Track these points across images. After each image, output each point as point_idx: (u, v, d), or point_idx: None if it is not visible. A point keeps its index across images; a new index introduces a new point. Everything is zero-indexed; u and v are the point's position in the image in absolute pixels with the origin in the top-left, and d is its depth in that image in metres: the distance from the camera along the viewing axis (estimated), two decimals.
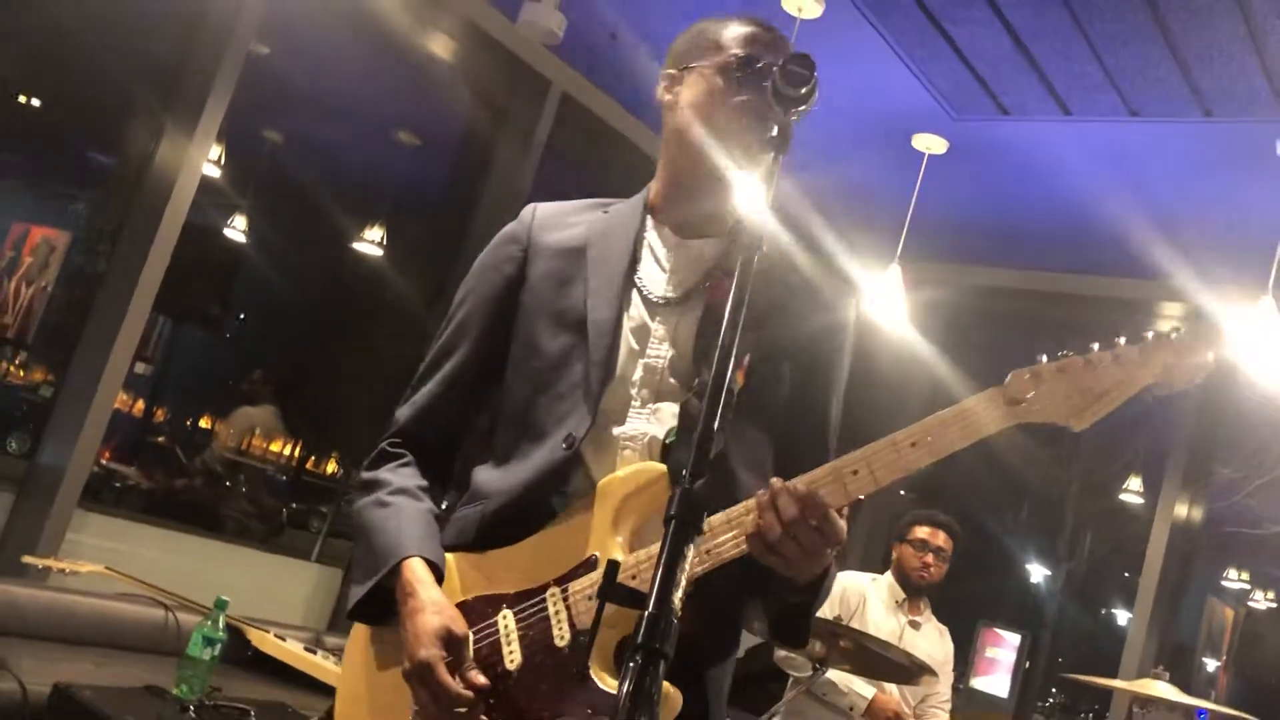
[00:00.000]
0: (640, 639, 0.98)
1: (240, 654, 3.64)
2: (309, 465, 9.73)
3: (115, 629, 3.45)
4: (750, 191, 1.58)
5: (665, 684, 1.20)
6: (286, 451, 9.09)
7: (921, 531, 3.90)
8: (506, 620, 1.39)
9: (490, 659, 1.38)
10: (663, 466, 1.38)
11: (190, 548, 4.49)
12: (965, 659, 7.55)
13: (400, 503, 1.48)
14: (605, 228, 1.56)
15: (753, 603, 1.52)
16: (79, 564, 3.35)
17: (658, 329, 1.48)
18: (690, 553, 1.05)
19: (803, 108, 1.33)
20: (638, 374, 1.47)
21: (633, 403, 1.45)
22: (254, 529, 5.94)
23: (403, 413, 1.58)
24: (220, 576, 4.08)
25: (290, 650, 3.63)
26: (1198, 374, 1.23)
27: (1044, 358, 1.26)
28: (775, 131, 1.32)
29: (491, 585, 1.43)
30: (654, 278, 1.53)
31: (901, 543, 3.95)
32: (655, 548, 1.30)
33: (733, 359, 1.33)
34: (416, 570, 1.40)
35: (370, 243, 5.87)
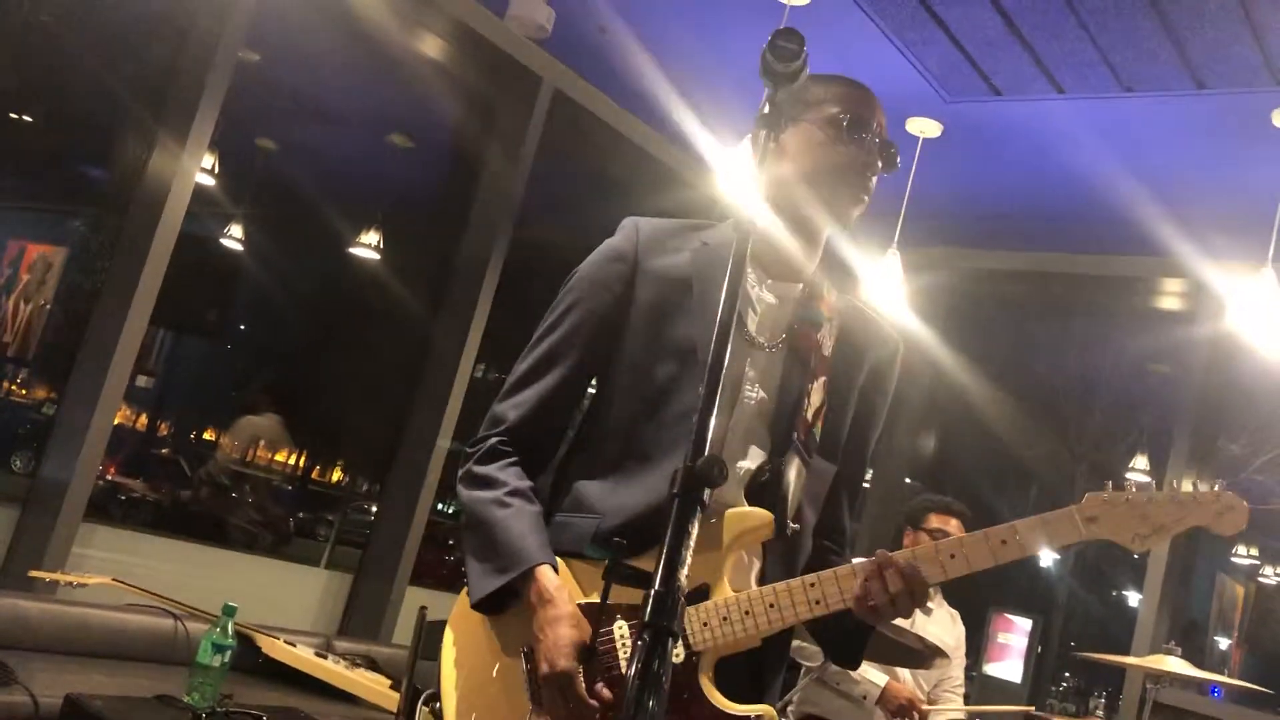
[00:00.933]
0: (648, 617, 0.99)
1: (251, 661, 3.64)
2: (314, 474, 9.74)
3: (124, 640, 3.45)
4: (743, 175, 1.64)
5: (769, 709, 1.47)
6: (291, 461, 9.09)
7: (934, 520, 3.89)
8: (622, 630, 1.51)
9: (607, 663, 1.50)
10: (769, 515, 1.53)
11: (197, 558, 4.49)
12: (977, 646, 7.55)
13: (520, 505, 1.59)
14: (708, 261, 1.65)
15: (815, 627, 1.66)
16: (86, 576, 3.35)
17: (750, 372, 1.61)
18: (694, 529, 1.06)
19: (794, 85, 1.34)
20: (735, 413, 1.59)
21: (728, 438, 1.58)
22: (261, 539, 5.93)
23: (508, 412, 1.66)
24: (228, 585, 4.08)
25: (301, 655, 3.64)
26: (1236, 529, 1.48)
27: (1110, 485, 1.49)
28: (766, 108, 1.34)
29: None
30: (748, 317, 1.64)
31: (915, 530, 3.93)
32: (764, 591, 1.50)
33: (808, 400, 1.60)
34: (551, 578, 1.52)
35: (367, 246, 5.87)
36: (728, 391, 1.59)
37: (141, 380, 7.37)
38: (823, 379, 1.64)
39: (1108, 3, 3.70)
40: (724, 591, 1.50)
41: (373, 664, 3.87)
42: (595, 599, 1.52)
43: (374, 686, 3.56)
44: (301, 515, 7.64)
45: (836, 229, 1.69)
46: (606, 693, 1.46)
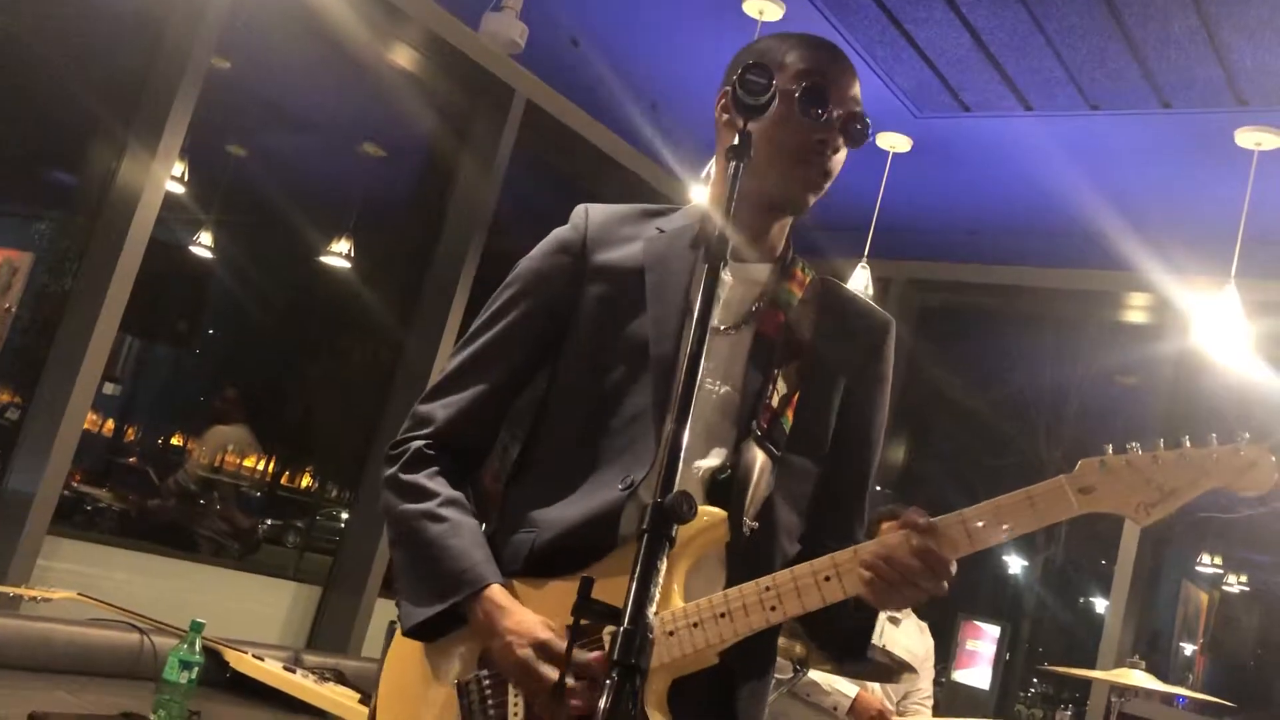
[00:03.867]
0: (616, 655, 0.99)
1: (219, 676, 3.61)
2: (284, 480, 9.66)
3: (90, 656, 3.41)
4: (711, 200, 1.58)
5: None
6: (260, 467, 9.02)
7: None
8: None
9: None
10: (722, 513, 1.37)
11: (164, 570, 4.45)
12: (946, 653, 7.60)
13: (456, 519, 1.44)
14: (664, 250, 1.52)
15: (817, 631, 1.54)
16: (51, 591, 3.31)
17: (708, 363, 1.43)
18: (663, 565, 1.06)
19: (763, 116, 1.34)
20: (693, 409, 1.45)
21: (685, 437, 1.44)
22: (229, 548, 5.88)
23: (436, 412, 1.51)
24: (196, 598, 4.05)
25: (269, 670, 3.61)
26: (1263, 488, 1.26)
27: (1109, 449, 1.29)
28: (737, 140, 1.34)
29: (551, 616, 1.38)
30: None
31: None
32: (713, 599, 1.34)
33: (776, 392, 1.41)
34: (500, 598, 1.38)
35: (338, 255, 5.84)
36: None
37: (109, 388, 7.29)
38: (794, 365, 1.49)
39: (1075, 23, 3.75)
40: (672, 604, 1.34)
41: (341, 677, 3.85)
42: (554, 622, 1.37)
43: (343, 701, 3.54)
44: (270, 522, 7.57)
45: (791, 213, 1.52)
46: (588, 655, 1.32)
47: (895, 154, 4.73)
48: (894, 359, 1.61)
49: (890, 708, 3.83)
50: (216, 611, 3.76)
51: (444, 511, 1.44)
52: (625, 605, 1.02)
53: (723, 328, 1.48)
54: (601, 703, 0.96)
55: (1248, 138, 4.04)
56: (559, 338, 1.52)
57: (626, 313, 1.48)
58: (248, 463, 8.66)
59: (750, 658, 1.43)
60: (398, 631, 1.50)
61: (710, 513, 1.38)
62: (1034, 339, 6.18)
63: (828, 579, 1.33)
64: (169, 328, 6.46)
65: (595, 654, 1.32)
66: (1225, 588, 9.71)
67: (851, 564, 1.34)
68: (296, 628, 4.62)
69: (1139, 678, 3.31)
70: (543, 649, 1.32)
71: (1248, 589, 9.69)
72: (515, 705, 1.37)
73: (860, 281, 4.70)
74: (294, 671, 3.70)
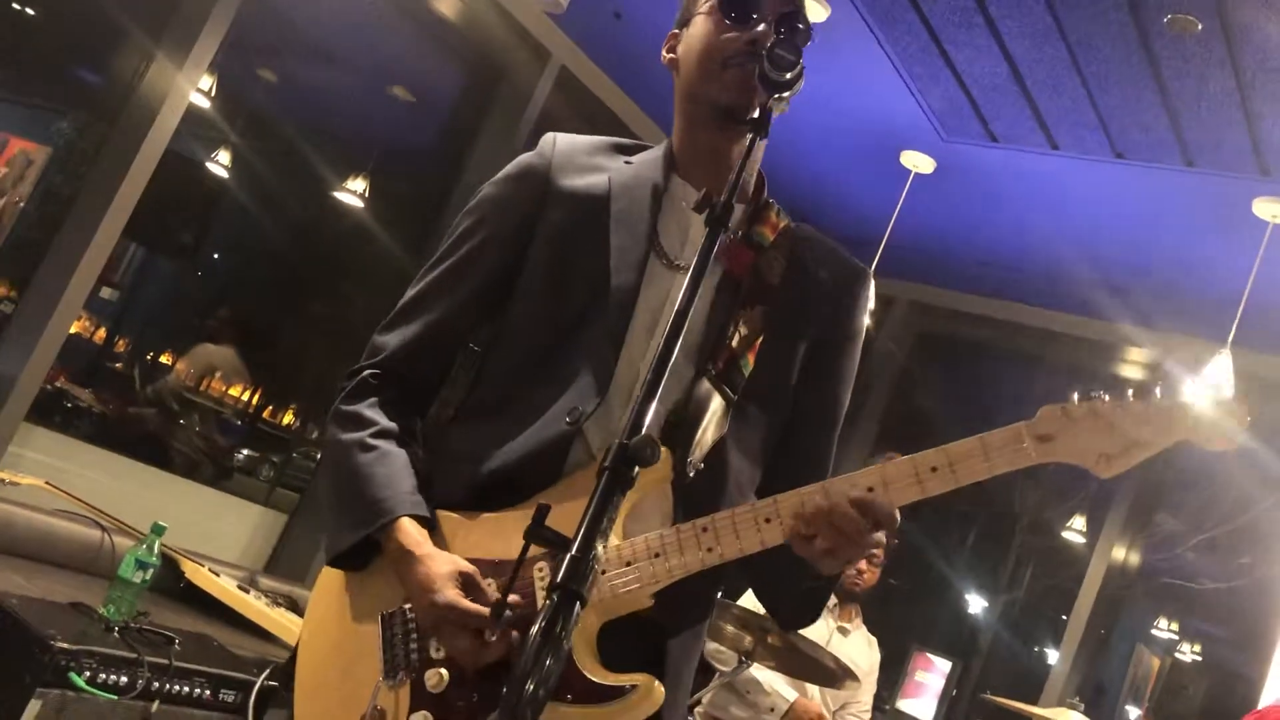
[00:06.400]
0: (560, 578, 0.99)
1: (173, 585, 3.63)
2: (266, 414, 9.67)
3: (49, 545, 3.42)
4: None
5: (650, 678, 1.25)
6: (245, 397, 9.03)
7: None
8: (492, 590, 1.32)
9: (524, 613, 1.31)
10: (666, 452, 1.32)
11: (135, 475, 4.46)
12: (895, 680, 7.64)
13: (388, 449, 1.41)
14: (630, 181, 1.48)
15: (766, 589, 1.50)
16: (19, 476, 3.33)
17: (671, 300, 1.39)
18: (620, 502, 1.07)
19: (787, 93, 1.34)
20: (651, 348, 1.40)
21: (641, 376, 1.35)
22: (202, 468, 5.90)
23: (389, 341, 1.48)
24: (162, 506, 4.05)
25: (222, 586, 3.63)
26: (1228, 443, 1.20)
27: (1075, 396, 1.22)
28: (756, 113, 1.34)
29: (479, 550, 1.36)
30: (673, 239, 1.46)
31: None
32: (649, 537, 1.30)
33: (740, 337, 1.35)
34: (411, 532, 1.35)
35: (352, 193, 5.84)
36: (643, 319, 1.40)
37: (106, 292, 7.30)
38: (759, 308, 1.43)
39: (1113, 69, 3.76)
40: (608, 542, 1.26)
41: (294, 605, 3.87)
42: (480, 557, 1.34)
43: (290, 627, 3.56)
44: (247, 453, 7.58)
45: (736, 118, 1.40)
46: (498, 594, 1.27)
47: (917, 174, 4.73)
48: (867, 314, 1.56)
49: (828, 716, 3.86)
50: (181, 523, 3.78)
51: (374, 441, 1.41)
52: (576, 534, 1.02)
53: (684, 265, 1.43)
54: (538, 623, 0.97)
55: (1265, 208, 4.06)
56: (517, 266, 1.47)
57: (587, 241, 1.43)
58: (233, 391, 8.67)
59: (685, 609, 1.40)
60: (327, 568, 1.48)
61: None
62: (1027, 381, 6.20)
63: (768, 520, 1.27)
64: (175, 241, 6.47)
65: (513, 597, 1.27)
66: (1178, 655, 9.76)
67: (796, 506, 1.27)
68: (258, 551, 4.64)
69: (1076, 718, 3.34)
70: (451, 609, 1.29)
71: (1200, 659, 9.74)
72: (438, 644, 1.34)
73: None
74: (247, 591, 3.72)
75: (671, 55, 1.53)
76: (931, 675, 8.06)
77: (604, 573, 1.29)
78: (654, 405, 1.10)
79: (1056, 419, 1.23)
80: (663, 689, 1.27)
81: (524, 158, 1.53)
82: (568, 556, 1.01)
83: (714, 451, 1.37)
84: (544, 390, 1.39)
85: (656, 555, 1.29)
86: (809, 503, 1.26)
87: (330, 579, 1.48)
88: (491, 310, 1.50)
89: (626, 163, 1.51)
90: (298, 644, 1.49)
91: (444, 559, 1.33)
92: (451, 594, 1.30)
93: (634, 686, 1.26)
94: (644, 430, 1.08)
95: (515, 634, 1.29)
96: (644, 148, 1.56)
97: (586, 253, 1.43)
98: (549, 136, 1.55)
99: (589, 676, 1.26)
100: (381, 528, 1.36)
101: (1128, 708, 9.38)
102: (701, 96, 1.45)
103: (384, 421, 1.44)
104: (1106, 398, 1.22)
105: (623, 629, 1.32)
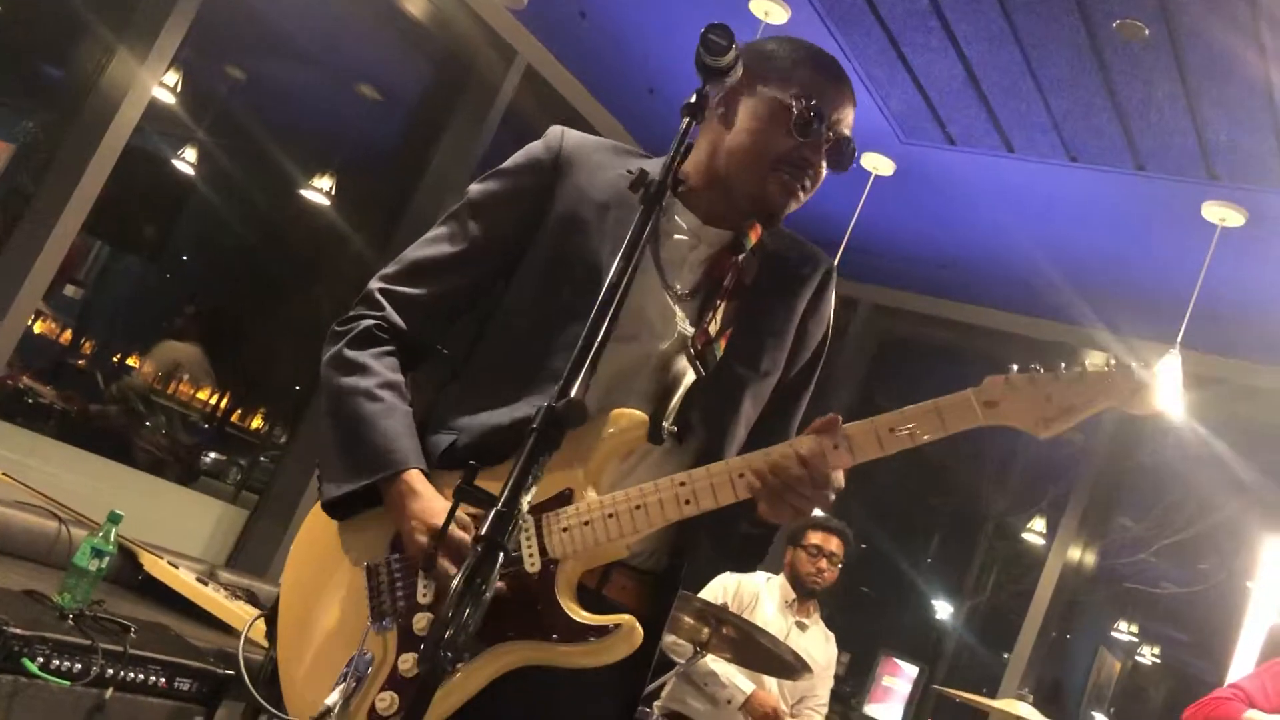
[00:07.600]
0: (484, 530, 1.05)
1: (131, 578, 3.63)
2: (234, 418, 9.61)
3: (5, 535, 3.42)
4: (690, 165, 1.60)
5: (630, 618, 1.37)
6: (212, 400, 8.97)
7: (815, 537, 4.00)
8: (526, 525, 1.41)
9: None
10: (643, 415, 1.44)
11: (96, 470, 4.44)
12: (862, 685, 7.71)
13: (392, 402, 1.48)
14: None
15: (712, 530, 1.57)
16: None
17: (673, 320, 1.51)
18: (545, 461, 1.12)
19: (725, 79, 1.39)
20: (653, 348, 1.50)
21: (642, 371, 1.49)
22: (168, 469, 5.87)
23: (396, 297, 1.55)
24: (122, 500, 4.04)
25: (180, 578, 3.63)
26: (1148, 408, 1.37)
27: (1015, 368, 1.39)
28: (693, 99, 1.40)
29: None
30: (672, 257, 1.54)
31: (796, 547, 4.03)
32: (629, 491, 1.41)
33: (716, 327, 1.48)
34: (416, 483, 1.43)
35: (319, 191, 5.85)
36: (642, 325, 1.50)
37: (69, 290, 7.25)
38: (733, 304, 1.55)
39: (1066, 73, 3.84)
40: (589, 497, 1.41)
41: (254, 599, 3.88)
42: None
43: (247, 619, 3.56)
44: (213, 456, 7.55)
45: (761, 215, 1.55)
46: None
47: (877, 175, 4.81)
48: (834, 303, 1.68)
49: (784, 708, 3.90)
50: (141, 517, 3.77)
51: (382, 393, 1.48)
52: (503, 490, 1.08)
53: (683, 292, 1.53)
54: (460, 574, 1.02)
55: (1214, 212, 4.15)
56: (521, 251, 1.56)
57: (588, 238, 1.51)
58: (201, 394, 8.61)
59: (660, 585, 1.53)
60: (314, 508, 1.54)
61: (630, 415, 1.44)
62: (974, 379, 6.27)
63: (741, 475, 1.40)
64: (139, 239, 6.43)
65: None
66: (1138, 658, 9.88)
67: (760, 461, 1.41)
68: (219, 546, 4.63)
69: (1024, 710, 3.39)
70: (450, 538, 1.35)
71: (1159, 661, 9.87)
72: (425, 589, 1.42)
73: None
74: (206, 584, 3.72)
75: (723, 110, 1.56)
76: (899, 680, 8.11)
77: (587, 523, 1.40)
78: (583, 374, 1.16)
79: (1000, 387, 1.39)
80: (641, 630, 1.37)
81: (533, 147, 1.60)
82: (494, 510, 1.06)
83: (686, 419, 1.49)
84: (532, 375, 1.47)
85: (637, 508, 1.40)
86: (770, 456, 1.39)
87: (316, 529, 1.54)
88: (490, 290, 1.59)
89: (629, 172, 1.54)
90: (279, 592, 1.55)
91: (445, 503, 1.41)
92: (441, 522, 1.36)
93: (616, 626, 1.37)
94: (571, 395, 1.14)
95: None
96: (651, 157, 1.63)
97: (585, 248, 1.51)
98: (557, 129, 1.62)
99: (573, 618, 1.37)
100: (391, 476, 1.43)
101: (1093, 712, 9.48)
102: (740, 185, 1.54)
103: (389, 374, 1.51)
104: (1042, 370, 1.39)
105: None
